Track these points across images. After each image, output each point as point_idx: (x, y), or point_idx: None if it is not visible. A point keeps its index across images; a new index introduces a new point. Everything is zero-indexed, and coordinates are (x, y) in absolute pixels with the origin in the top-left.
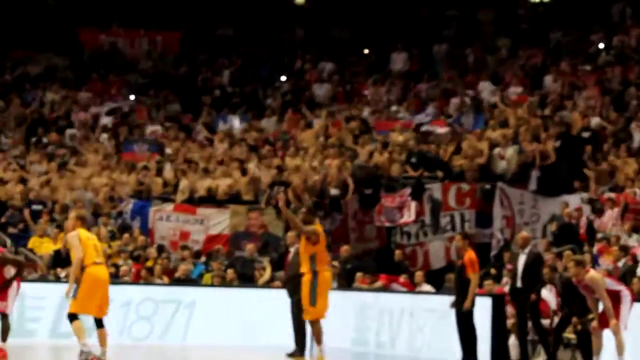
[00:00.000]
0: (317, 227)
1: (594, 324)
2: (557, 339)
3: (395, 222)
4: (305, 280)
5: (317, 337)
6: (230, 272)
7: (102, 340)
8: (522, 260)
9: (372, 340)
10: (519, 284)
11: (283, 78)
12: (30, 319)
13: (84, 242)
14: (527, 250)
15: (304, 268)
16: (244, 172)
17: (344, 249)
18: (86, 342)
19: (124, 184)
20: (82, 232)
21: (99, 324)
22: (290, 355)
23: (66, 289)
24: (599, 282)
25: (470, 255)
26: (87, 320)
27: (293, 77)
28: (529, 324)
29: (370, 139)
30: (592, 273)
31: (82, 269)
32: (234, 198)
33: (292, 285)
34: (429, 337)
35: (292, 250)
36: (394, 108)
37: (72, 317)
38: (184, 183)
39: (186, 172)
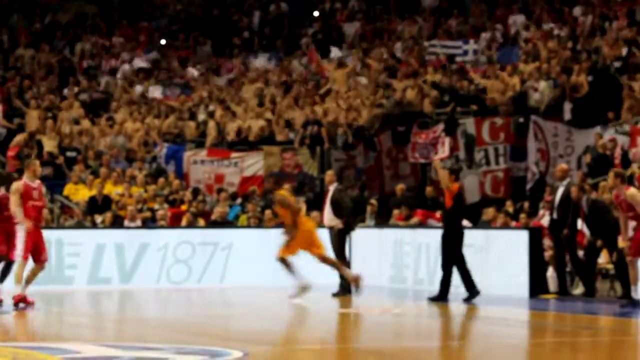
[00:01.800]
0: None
1: (627, 252)
2: (590, 268)
3: (429, 158)
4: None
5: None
6: (267, 213)
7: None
8: (559, 192)
9: (410, 277)
10: (555, 216)
11: (316, 13)
12: (68, 266)
13: None
14: (565, 182)
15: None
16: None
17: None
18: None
19: (157, 128)
20: None
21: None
22: (336, 294)
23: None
24: (638, 198)
25: (454, 187)
26: None
27: (322, 15)
28: (567, 255)
29: (403, 76)
30: (633, 189)
31: None
32: (267, 139)
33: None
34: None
35: (331, 188)
36: (425, 44)
37: None
38: (214, 125)
39: (218, 114)
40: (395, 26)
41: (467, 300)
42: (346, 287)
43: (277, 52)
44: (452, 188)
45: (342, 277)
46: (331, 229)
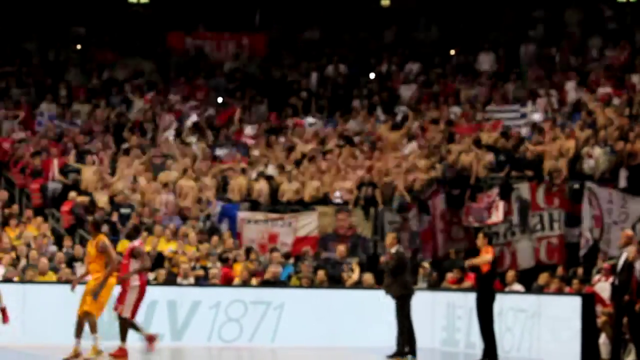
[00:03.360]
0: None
1: None
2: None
3: (484, 222)
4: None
5: (93, 327)
6: (320, 274)
7: None
8: (622, 258)
9: (461, 341)
10: (617, 282)
11: (372, 75)
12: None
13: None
14: (628, 248)
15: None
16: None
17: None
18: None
19: (212, 188)
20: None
21: None
22: (392, 356)
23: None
24: None
25: (487, 250)
26: None
27: (379, 78)
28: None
29: (458, 140)
30: None
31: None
32: (322, 200)
33: (388, 281)
34: (518, 338)
35: (392, 251)
36: (481, 109)
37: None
38: (269, 185)
39: (273, 174)
40: (452, 89)
41: None
42: (402, 351)
43: (332, 113)
44: (486, 251)
45: (398, 339)
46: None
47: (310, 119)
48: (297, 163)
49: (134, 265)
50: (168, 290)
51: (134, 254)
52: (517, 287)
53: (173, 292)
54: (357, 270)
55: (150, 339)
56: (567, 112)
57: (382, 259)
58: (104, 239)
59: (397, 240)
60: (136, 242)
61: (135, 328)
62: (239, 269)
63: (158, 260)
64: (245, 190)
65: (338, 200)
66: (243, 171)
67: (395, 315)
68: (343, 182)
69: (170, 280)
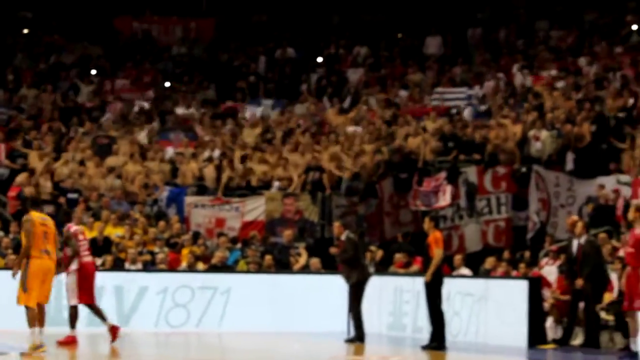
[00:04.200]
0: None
1: (624, 305)
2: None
3: (431, 205)
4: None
5: (31, 321)
6: (267, 259)
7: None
8: (575, 243)
9: (409, 325)
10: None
11: (320, 59)
12: (66, 308)
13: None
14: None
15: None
16: (278, 158)
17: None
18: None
19: (159, 172)
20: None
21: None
22: (349, 340)
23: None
24: None
25: (435, 235)
26: None
27: (327, 62)
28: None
29: (405, 123)
30: None
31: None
32: (268, 184)
33: (347, 270)
34: (466, 321)
35: (342, 237)
36: (428, 93)
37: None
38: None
39: (220, 158)
40: (399, 73)
41: (426, 347)
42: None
43: (280, 98)
44: (434, 235)
45: (356, 323)
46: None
47: (258, 103)
48: (245, 147)
49: (68, 251)
50: (115, 276)
51: (64, 240)
52: (465, 270)
53: (120, 277)
54: (304, 255)
55: (113, 330)
56: (514, 95)
57: (333, 249)
58: (25, 218)
59: (345, 226)
60: (72, 227)
61: (99, 315)
62: (186, 253)
63: (105, 245)
64: (193, 175)
65: (277, 185)
66: (193, 156)
67: (349, 300)
68: (290, 166)
69: (118, 265)
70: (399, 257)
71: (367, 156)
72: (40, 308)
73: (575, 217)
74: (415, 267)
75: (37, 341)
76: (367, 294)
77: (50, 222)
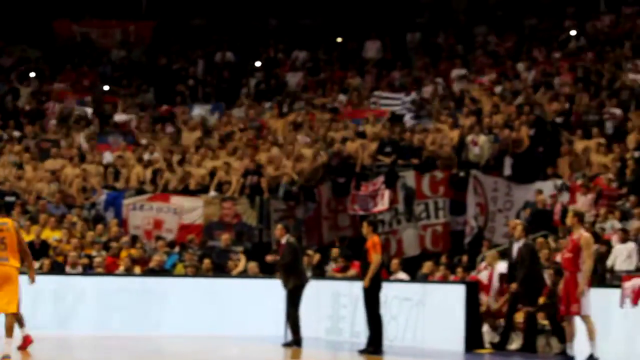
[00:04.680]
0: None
1: (561, 309)
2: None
3: (369, 210)
4: None
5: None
6: (206, 262)
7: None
8: (515, 247)
9: (346, 330)
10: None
11: (258, 64)
12: None
13: None
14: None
15: None
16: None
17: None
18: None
19: (97, 175)
20: None
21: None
22: (286, 344)
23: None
24: (591, 244)
25: (373, 239)
26: None
27: (266, 66)
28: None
29: (343, 127)
30: (588, 234)
31: None
32: (207, 188)
33: (285, 276)
34: (403, 326)
35: (283, 241)
36: (367, 96)
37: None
38: (154, 172)
39: (160, 163)
40: (338, 77)
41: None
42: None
43: (219, 101)
44: (372, 240)
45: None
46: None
47: (196, 107)
48: (184, 151)
49: None
50: (53, 280)
51: None
52: (402, 275)
53: (58, 281)
54: (243, 260)
55: (26, 339)
56: (452, 99)
57: (270, 257)
58: None
59: (286, 229)
60: None
61: (19, 320)
62: (124, 257)
63: (42, 248)
64: (132, 179)
65: (213, 194)
66: (132, 159)
67: (286, 305)
68: (228, 170)
69: (55, 269)
70: (335, 263)
71: (306, 160)
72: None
73: (516, 221)
74: (352, 271)
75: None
76: (305, 298)
77: (9, 227)
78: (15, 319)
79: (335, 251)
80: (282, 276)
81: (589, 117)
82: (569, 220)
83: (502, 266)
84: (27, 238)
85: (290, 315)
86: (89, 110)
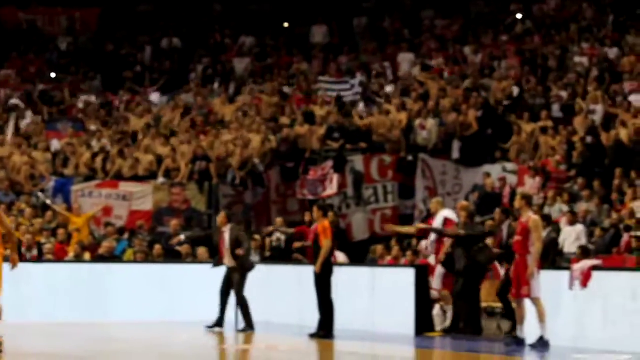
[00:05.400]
0: None
1: (513, 292)
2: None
3: (318, 194)
4: None
5: None
6: (157, 248)
7: None
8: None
9: (296, 313)
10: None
11: (205, 49)
12: None
13: None
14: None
15: None
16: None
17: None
18: None
19: (45, 162)
20: None
21: None
22: (242, 330)
23: None
24: (539, 226)
25: (324, 224)
26: None
27: (213, 51)
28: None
29: (291, 112)
30: (537, 217)
31: None
32: (155, 174)
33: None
34: (353, 310)
35: (225, 229)
36: (315, 82)
37: None
38: (103, 159)
39: (109, 149)
40: (285, 63)
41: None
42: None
43: (167, 87)
44: (322, 224)
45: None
46: (233, 269)
47: (144, 93)
48: (132, 137)
49: None
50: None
51: None
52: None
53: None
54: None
55: None
56: (399, 83)
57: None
58: None
59: (228, 218)
60: None
61: None
62: (73, 243)
63: None
64: (81, 165)
65: (162, 180)
66: (80, 146)
67: (234, 290)
68: (177, 156)
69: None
70: None
71: (255, 145)
72: None
73: (464, 203)
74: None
75: None
76: (255, 283)
77: None
78: None
79: (279, 221)
80: (229, 261)
81: (536, 101)
82: (518, 203)
83: (446, 212)
84: None
85: (239, 300)
86: (20, 103)
